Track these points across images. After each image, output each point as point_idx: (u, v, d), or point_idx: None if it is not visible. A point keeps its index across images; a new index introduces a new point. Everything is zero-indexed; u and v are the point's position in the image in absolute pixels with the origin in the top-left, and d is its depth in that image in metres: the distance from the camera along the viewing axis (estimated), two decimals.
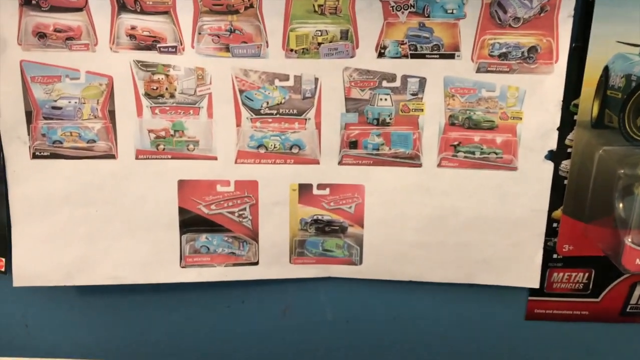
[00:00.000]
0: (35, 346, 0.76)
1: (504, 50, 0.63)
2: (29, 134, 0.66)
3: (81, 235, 0.69)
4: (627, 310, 0.72)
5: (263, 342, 0.76)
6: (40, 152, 0.66)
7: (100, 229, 0.69)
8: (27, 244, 0.68)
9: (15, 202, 0.67)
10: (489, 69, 0.63)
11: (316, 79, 0.65)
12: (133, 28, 0.63)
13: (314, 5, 0.62)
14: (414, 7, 0.62)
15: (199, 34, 0.63)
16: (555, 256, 0.70)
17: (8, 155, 0.66)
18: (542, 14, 0.61)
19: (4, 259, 0.69)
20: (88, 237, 0.69)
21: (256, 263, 0.71)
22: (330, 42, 0.63)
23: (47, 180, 0.67)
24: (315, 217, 0.70)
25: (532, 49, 0.62)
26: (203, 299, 0.74)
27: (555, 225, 0.69)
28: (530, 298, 0.73)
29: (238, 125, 0.66)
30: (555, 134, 0.65)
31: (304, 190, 0.69)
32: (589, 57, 0.62)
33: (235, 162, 0.67)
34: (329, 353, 0.76)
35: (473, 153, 0.66)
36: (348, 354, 0.76)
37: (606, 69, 0.62)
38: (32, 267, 0.69)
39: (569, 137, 0.65)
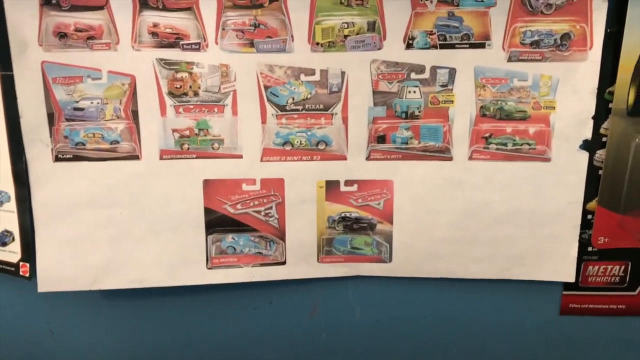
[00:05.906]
0: (60, 352, 0.75)
1: (535, 38, 0.61)
2: (51, 136, 0.65)
3: (106, 238, 0.67)
4: None
5: (291, 343, 0.75)
6: (62, 155, 0.65)
7: (125, 232, 0.67)
8: (51, 249, 0.67)
9: (39, 206, 0.66)
10: (520, 57, 0.62)
11: (343, 73, 0.63)
12: (155, 25, 0.62)
13: None
14: None
15: (223, 29, 0.62)
16: (590, 249, 0.69)
17: (30, 158, 0.65)
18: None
19: (28, 264, 0.68)
20: (113, 239, 0.68)
21: (283, 263, 0.70)
22: (357, 34, 0.62)
23: (71, 183, 0.66)
24: (343, 215, 0.68)
25: (565, 36, 0.61)
26: (230, 301, 0.73)
27: (589, 217, 0.67)
28: (564, 292, 0.71)
29: (263, 122, 0.65)
30: (590, 123, 0.63)
31: (331, 187, 0.67)
32: (625, 42, 0.60)
33: (261, 160, 0.66)
34: (359, 353, 0.75)
35: (505, 145, 0.64)
36: (378, 354, 0.75)
37: None
38: (56, 272, 0.68)
39: (604, 125, 0.64)
